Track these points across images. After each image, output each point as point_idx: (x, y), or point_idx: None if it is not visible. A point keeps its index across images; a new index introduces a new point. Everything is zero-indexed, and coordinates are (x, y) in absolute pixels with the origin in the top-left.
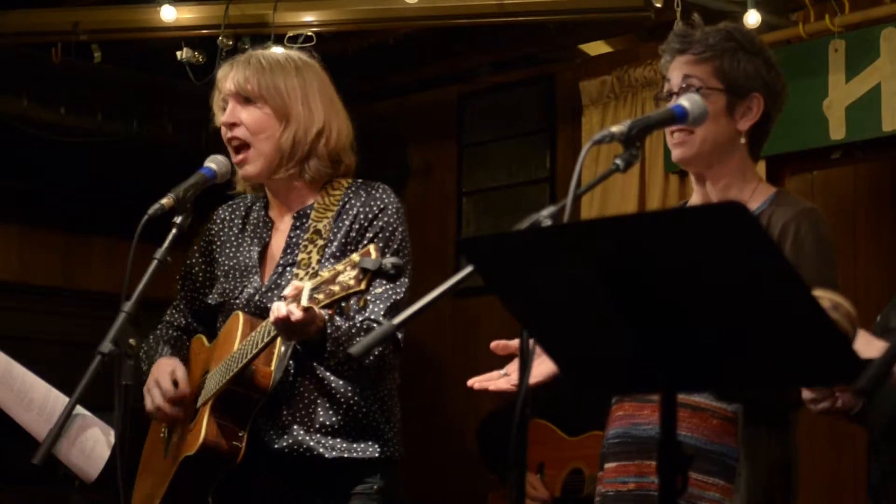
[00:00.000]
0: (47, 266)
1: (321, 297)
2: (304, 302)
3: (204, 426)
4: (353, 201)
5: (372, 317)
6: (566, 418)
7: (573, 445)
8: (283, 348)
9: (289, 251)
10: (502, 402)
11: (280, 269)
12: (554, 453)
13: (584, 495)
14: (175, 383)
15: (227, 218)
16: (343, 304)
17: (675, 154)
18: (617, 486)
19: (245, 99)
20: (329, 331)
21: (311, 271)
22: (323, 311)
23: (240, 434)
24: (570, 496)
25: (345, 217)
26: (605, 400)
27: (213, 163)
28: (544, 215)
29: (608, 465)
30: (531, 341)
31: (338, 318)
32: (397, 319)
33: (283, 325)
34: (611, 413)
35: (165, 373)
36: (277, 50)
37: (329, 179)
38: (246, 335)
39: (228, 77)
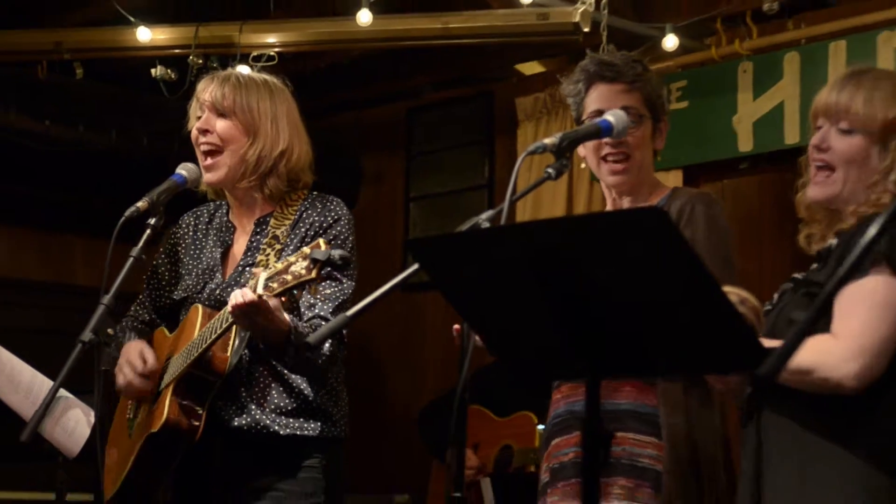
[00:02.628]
0: (33, 263)
1: (275, 285)
2: (260, 290)
3: (166, 406)
4: (309, 211)
5: (321, 314)
6: (496, 402)
7: (503, 425)
8: (238, 338)
9: (249, 253)
10: (441, 391)
11: (240, 268)
12: (487, 433)
13: (513, 468)
14: (144, 361)
15: (192, 223)
16: (295, 292)
17: (614, 180)
18: (560, 458)
19: (220, 112)
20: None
21: (268, 269)
22: (287, 317)
23: (199, 413)
24: (502, 469)
25: (301, 225)
26: (532, 385)
27: (184, 170)
28: (483, 218)
29: (553, 442)
30: (470, 334)
31: (300, 324)
32: (351, 311)
33: (240, 311)
34: (552, 398)
35: (135, 352)
36: (243, 69)
37: (287, 193)
38: (204, 325)
39: (208, 90)
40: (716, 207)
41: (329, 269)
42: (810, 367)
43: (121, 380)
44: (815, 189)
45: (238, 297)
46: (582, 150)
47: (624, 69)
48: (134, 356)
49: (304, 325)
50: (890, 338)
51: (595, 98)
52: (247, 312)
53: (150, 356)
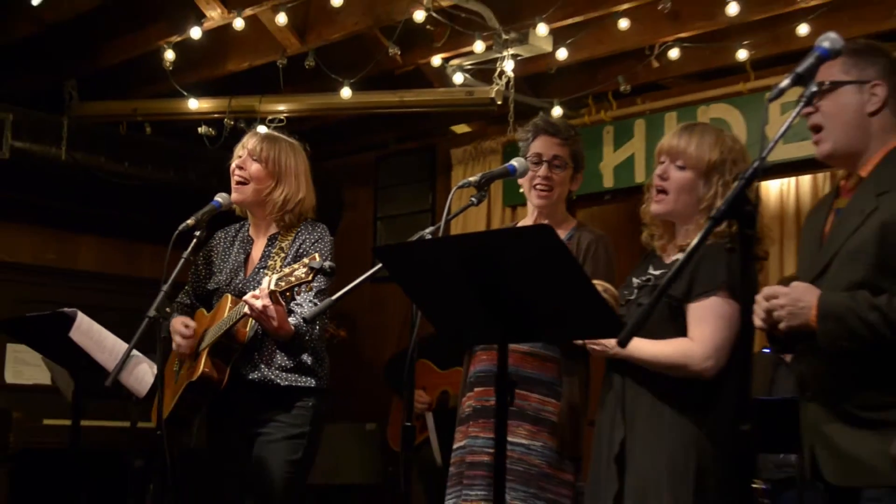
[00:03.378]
0: (117, 261)
1: (283, 283)
2: (272, 286)
3: (202, 363)
4: (304, 233)
5: (313, 300)
6: (438, 358)
7: (443, 376)
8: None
9: (263, 259)
10: (399, 350)
11: (257, 269)
12: (431, 381)
13: (449, 407)
14: (186, 326)
15: (222, 236)
16: (296, 290)
17: (539, 202)
18: (482, 402)
19: (255, 158)
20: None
21: (276, 272)
22: (291, 325)
23: (225, 369)
24: (441, 407)
25: (298, 241)
26: (463, 348)
27: (220, 197)
28: (427, 232)
29: (476, 389)
30: (418, 312)
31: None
32: (334, 297)
33: (255, 313)
34: (476, 357)
35: (180, 323)
36: (262, 128)
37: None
38: (231, 309)
39: (251, 141)
40: (611, 248)
41: (319, 273)
42: (681, 363)
43: (174, 344)
44: (654, 205)
45: (255, 304)
46: (521, 180)
47: (561, 129)
48: (179, 325)
49: (302, 322)
50: (730, 340)
51: (537, 145)
52: (260, 314)
53: (191, 323)
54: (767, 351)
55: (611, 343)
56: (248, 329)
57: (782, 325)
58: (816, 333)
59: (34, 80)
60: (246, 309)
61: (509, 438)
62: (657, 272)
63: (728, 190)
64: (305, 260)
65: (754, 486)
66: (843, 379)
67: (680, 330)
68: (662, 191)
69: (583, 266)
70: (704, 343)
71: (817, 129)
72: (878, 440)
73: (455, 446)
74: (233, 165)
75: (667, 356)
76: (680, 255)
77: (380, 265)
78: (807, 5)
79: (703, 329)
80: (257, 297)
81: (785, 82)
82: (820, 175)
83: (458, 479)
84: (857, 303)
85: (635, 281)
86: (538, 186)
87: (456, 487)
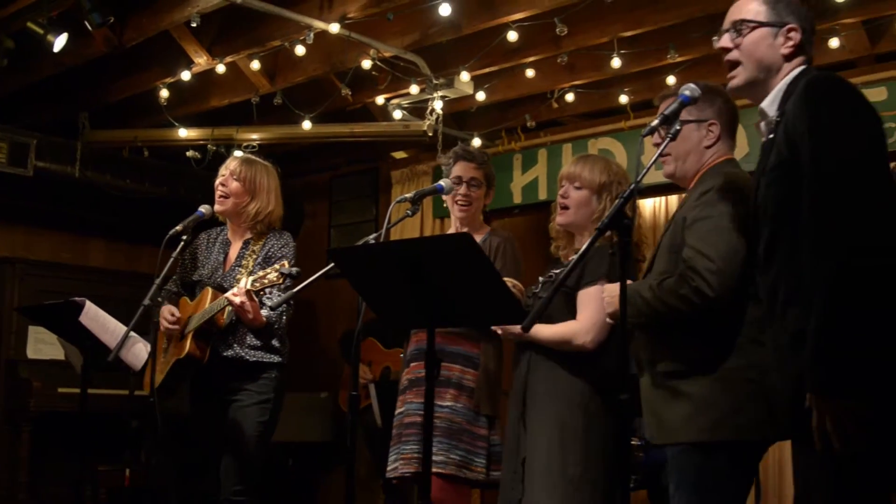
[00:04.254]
0: (119, 259)
1: (258, 284)
2: (248, 286)
3: (188, 343)
4: (272, 239)
5: (281, 293)
6: (383, 338)
7: (386, 353)
8: (230, 308)
9: (238, 259)
10: (349, 328)
11: (233, 268)
12: (376, 357)
13: (390, 380)
14: (172, 315)
15: (205, 238)
16: (267, 290)
17: (460, 215)
18: (416, 374)
19: (235, 177)
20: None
21: (249, 270)
22: (264, 317)
23: (206, 348)
24: (383, 381)
25: (267, 246)
26: (401, 331)
27: (203, 208)
28: (371, 238)
29: (412, 364)
30: (363, 302)
31: (271, 317)
32: (295, 289)
33: (235, 307)
34: (413, 338)
35: (167, 311)
36: (238, 153)
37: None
38: (212, 300)
39: (233, 163)
40: (515, 248)
41: (288, 277)
42: (568, 338)
43: (162, 325)
44: (559, 218)
45: (235, 299)
46: (445, 197)
47: (476, 156)
48: (166, 313)
49: (272, 314)
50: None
51: (457, 168)
52: (238, 308)
53: (176, 312)
54: None
55: (517, 328)
56: (225, 317)
57: (608, 311)
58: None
59: (54, 112)
60: (228, 295)
61: (437, 402)
62: (557, 270)
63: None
64: (277, 266)
65: (633, 442)
66: (652, 353)
67: (573, 314)
68: (565, 207)
69: (494, 262)
70: (585, 322)
71: (665, 155)
72: (674, 404)
73: (395, 413)
74: (217, 182)
75: (558, 334)
76: (575, 256)
77: (332, 264)
78: (674, 61)
79: (586, 311)
80: (236, 295)
81: (655, 121)
82: (685, 195)
83: (397, 438)
84: (640, 286)
85: (541, 279)
86: (459, 202)
87: (396, 445)
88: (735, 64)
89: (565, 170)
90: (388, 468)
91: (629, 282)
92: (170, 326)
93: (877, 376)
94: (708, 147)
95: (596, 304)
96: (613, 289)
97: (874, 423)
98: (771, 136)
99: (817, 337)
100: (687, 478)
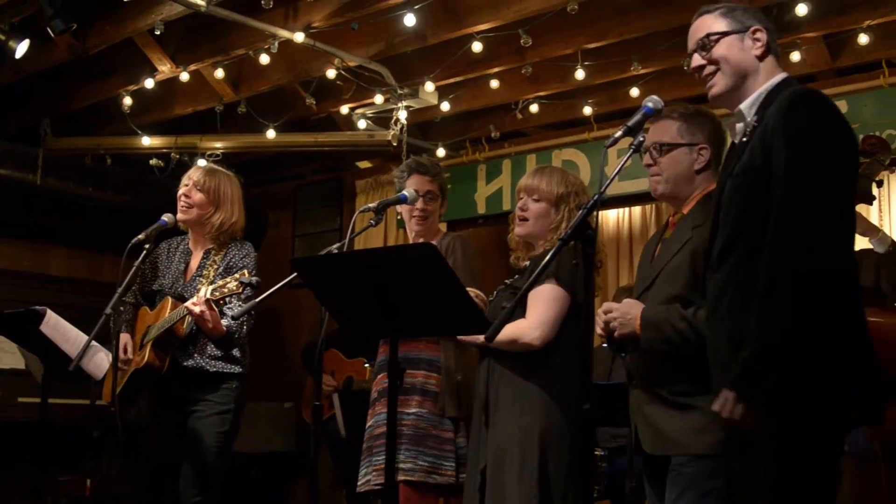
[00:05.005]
0: (80, 268)
1: (217, 293)
2: (207, 295)
3: (147, 353)
4: (233, 249)
5: (240, 304)
6: (346, 349)
7: (349, 363)
8: (189, 318)
9: (199, 269)
10: (312, 339)
11: (194, 277)
12: (339, 367)
13: (354, 389)
14: (125, 352)
15: (166, 247)
16: (227, 299)
17: (417, 228)
18: (384, 385)
19: (199, 188)
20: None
21: (210, 280)
22: (224, 326)
23: (165, 358)
24: (346, 389)
25: (228, 256)
26: (363, 341)
27: (166, 217)
28: (334, 248)
29: (378, 376)
30: (327, 313)
31: (232, 326)
32: (257, 299)
33: (195, 316)
34: (380, 348)
35: (123, 342)
36: (202, 161)
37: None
38: (172, 310)
39: (197, 173)
40: (467, 244)
41: (248, 287)
42: (515, 337)
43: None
44: (518, 229)
45: (194, 309)
46: (402, 210)
47: (430, 168)
48: (122, 343)
49: (232, 323)
50: (557, 317)
51: (411, 181)
52: (198, 316)
53: (129, 348)
54: (606, 346)
55: (480, 338)
56: (185, 326)
57: (616, 334)
58: (640, 338)
59: (16, 119)
60: (187, 305)
61: (403, 410)
62: (509, 281)
63: (573, 215)
64: (237, 275)
65: (595, 452)
66: (659, 371)
67: None
68: (524, 219)
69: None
70: (533, 320)
71: (657, 174)
72: (682, 419)
73: (367, 425)
74: (180, 192)
75: (506, 335)
76: (528, 262)
77: (294, 274)
78: (637, 73)
79: (534, 309)
80: (196, 304)
81: (619, 133)
82: (648, 206)
83: (368, 451)
84: (671, 314)
85: (498, 289)
86: (416, 215)
87: (367, 458)
88: (711, 75)
89: (523, 182)
90: (360, 482)
91: (658, 309)
92: (122, 356)
93: (792, 395)
94: (699, 171)
95: (545, 302)
96: (628, 310)
97: (774, 435)
98: (745, 139)
99: (755, 343)
100: (694, 487)
